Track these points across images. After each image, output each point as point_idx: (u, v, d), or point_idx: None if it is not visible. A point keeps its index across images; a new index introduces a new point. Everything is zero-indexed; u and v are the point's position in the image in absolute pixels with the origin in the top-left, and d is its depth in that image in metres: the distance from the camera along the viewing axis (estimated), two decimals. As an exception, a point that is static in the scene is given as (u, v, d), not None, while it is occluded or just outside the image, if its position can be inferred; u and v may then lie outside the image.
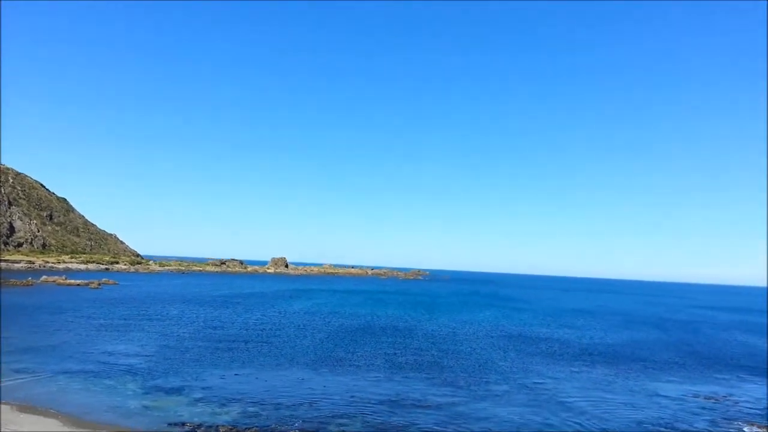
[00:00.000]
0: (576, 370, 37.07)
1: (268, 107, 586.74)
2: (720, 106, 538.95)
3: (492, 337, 52.22)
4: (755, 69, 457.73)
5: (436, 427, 22.29)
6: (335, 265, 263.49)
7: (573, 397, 28.76)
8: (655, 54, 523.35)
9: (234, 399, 25.09)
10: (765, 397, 31.53)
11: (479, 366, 36.52)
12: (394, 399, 26.43)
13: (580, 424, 23.77)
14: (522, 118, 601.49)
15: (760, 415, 27.06)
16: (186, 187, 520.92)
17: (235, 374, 30.35)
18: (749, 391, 32.78)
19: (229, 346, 39.78)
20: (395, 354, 39.53)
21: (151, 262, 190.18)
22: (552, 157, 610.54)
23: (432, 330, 55.07)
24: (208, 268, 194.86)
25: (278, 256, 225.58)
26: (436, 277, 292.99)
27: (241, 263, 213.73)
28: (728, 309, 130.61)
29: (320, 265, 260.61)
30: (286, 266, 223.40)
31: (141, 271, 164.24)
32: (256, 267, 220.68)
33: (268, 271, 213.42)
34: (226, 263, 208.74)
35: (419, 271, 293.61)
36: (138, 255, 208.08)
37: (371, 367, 34.38)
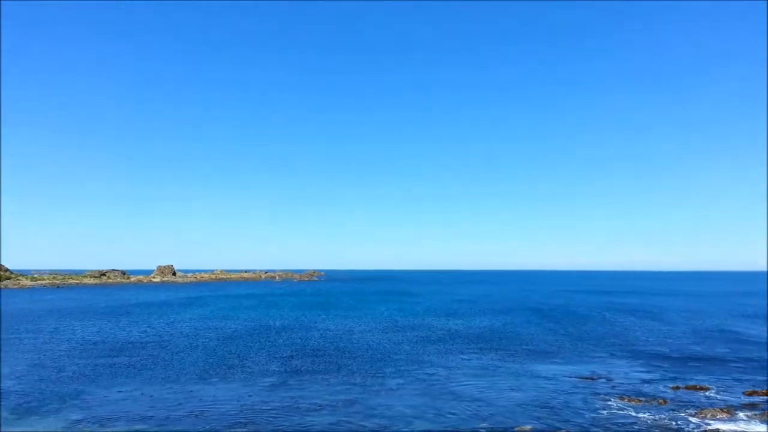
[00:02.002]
0: (466, 357, 38.57)
1: (133, 92, 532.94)
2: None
3: (387, 332, 53.05)
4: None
5: (330, 428, 22.25)
6: (227, 271, 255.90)
7: (464, 385, 29.89)
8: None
9: (117, 418, 23.57)
10: (634, 372, 34.48)
11: (375, 361, 36.93)
12: (288, 403, 26.04)
13: (470, 410, 24.72)
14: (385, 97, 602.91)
15: (631, 390, 29.48)
16: (55, 190, 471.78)
17: (119, 391, 28.55)
18: (620, 368, 35.69)
19: (112, 361, 37.35)
20: (291, 357, 39.03)
21: (21, 276, 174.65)
22: (463, 146, 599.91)
23: (327, 329, 54.99)
24: (87, 281, 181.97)
25: (165, 264, 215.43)
26: (332, 277, 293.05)
27: (124, 273, 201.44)
28: (597, 292, 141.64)
29: (211, 271, 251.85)
30: (174, 274, 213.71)
31: (11, 287, 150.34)
32: (141, 277, 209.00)
33: (154, 280, 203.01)
34: (107, 274, 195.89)
35: (314, 271, 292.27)
36: (7, 270, 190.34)
37: (265, 372, 33.70)
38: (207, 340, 48.07)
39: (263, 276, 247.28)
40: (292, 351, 41.62)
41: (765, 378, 31.66)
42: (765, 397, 26.97)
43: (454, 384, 30.21)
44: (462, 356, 39.24)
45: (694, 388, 29.03)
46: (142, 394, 28.06)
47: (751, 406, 25.25)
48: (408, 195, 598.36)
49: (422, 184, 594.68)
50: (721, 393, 28.10)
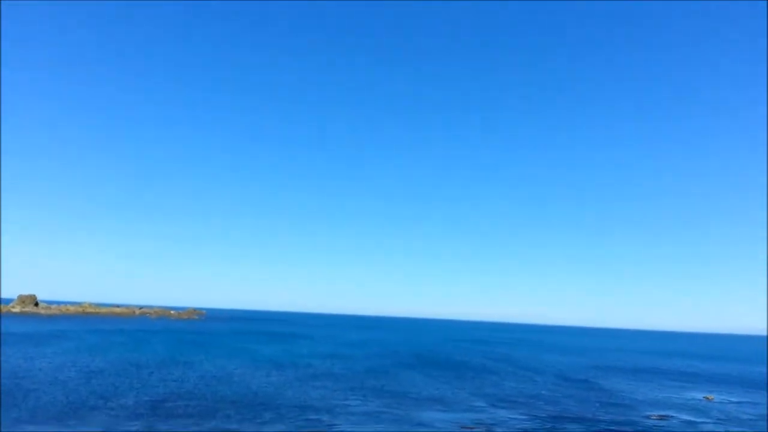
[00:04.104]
0: (350, 403, 37.73)
1: None
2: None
3: (269, 375, 50.94)
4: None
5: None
6: (97, 304, 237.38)
7: (347, 432, 29.10)
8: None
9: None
10: (512, 421, 35.32)
11: (254, 406, 35.11)
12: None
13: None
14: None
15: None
16: None
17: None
18: (499, 417, 36.45)
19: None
20: (162, 399, 36.16)
21: None
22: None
23: (205, 370, 51.85)
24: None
25: (27, 293, 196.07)
26: (214, 316, 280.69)
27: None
28: (481, 341, 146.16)
29: (79, 303, 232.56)
30: (36, 305, 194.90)
31: None
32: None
33: (14, 310, 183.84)
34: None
35: (194, 309, 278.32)
36: None
37: (132, 415, 30.90)
38: (69, 377, 43.61)
39: (137, 312, 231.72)
40: (164, 393, 38.67)
41: None
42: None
43: (335, 431, 29.30)
44: (346, 402, 38.35)
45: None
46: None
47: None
48: (300, 239, 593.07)
49: (316, 226, 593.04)
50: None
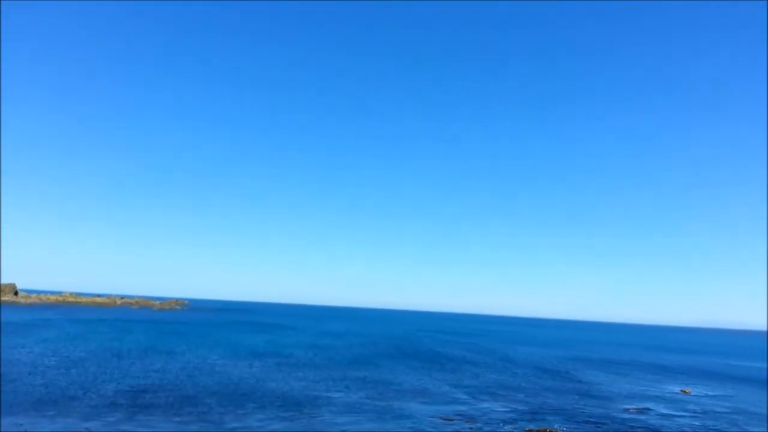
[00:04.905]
0: (333, 395, 37.78)
1: None
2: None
3: (252, 366, 50.81)
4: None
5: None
6: (78, 294, 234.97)
7: (328, 423, 29.16)
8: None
9: None
10: (494, 413, 35.61)
11: (236, 396, 35.05)
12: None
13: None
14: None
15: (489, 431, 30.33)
16: None
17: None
18: (480, 408, 36.72)
19: (-76, 390, 32.27)
20: (143, 390, 35.94)
21: None
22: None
23: (187, 361, 51.60)
24: None
25: (6, 282, 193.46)
26: (197, 306, 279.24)
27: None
28: (461, 333, 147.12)
29: (59, 293, 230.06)
30: (16, 294, 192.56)
31: None
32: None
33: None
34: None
35: (177, 300, 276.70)
36: None
37: (112, 406, 30.69)
38: (48, 367, 43.19)
39: (119, 302, 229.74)
40: (145, 383, 38.44)
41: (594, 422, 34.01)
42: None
43: (318, 422, 29.36)
44: (328, 393, 38.41)
45: (542, 431, 30.43)
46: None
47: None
48: (283, 230, 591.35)
49: (300, 218, 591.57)
50: (570, 434, 29.73)
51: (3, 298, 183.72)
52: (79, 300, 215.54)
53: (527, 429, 30.50)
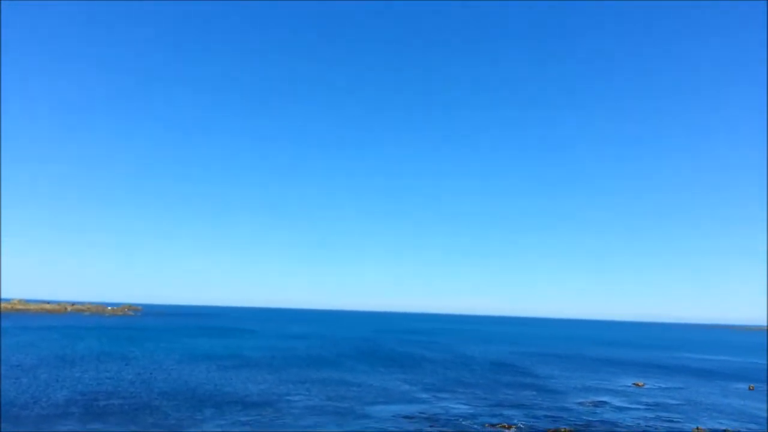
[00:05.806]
0: (293, 398, 37.43)
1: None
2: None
3: (210, 370, 49.87)
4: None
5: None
6: (26, 301, 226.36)
7: (289, 427, 28.89)
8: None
9: None
10: (454, 409, 35.92)
11: (194, 402, 34.32)
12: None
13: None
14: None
15: (450, 427, 30.55)
16: None
17: None
18: (440, 406, 36.99)
19: None
20: (95, 398, 34.80)
21: None
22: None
23: (142, 366, 50.23)
24: None
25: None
26: (151, 311, 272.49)
27: None
28: (423, 332, 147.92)
29: (7, 300, 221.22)
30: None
31: None
32: None
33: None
34: None
35: (129, 305, 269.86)
36: None
37: (64, 415, 29.64)
38: (-7, 378, 41.43)
39: (69, 308, 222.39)
40: (98, 391, 37.26)
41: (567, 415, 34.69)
42: (565, 433, 29.43)
43: (279, 425, 29.02)
44: (289, 396, 38.03)
45: (502, 426, 30.85)
46: None
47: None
48: (240, 233, 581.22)
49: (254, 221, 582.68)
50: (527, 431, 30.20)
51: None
52: (28, 307, 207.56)
53: (487, 424, 30.87)
